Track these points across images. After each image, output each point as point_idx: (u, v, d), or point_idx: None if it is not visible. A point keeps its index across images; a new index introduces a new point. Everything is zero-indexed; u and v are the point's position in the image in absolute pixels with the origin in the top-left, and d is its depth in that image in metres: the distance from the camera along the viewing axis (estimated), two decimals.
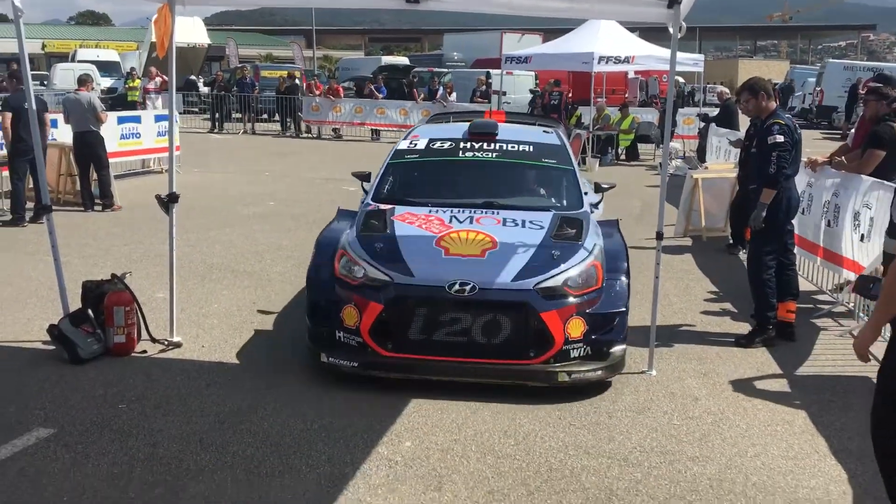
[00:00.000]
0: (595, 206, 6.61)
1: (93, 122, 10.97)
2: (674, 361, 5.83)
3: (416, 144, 6.83)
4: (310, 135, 23.49)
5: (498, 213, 5.89)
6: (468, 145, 6.65)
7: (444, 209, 5.92)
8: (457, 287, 4.95)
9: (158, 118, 14.69)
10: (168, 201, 5.91)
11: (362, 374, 5.04)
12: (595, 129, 18.61)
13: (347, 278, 5.23)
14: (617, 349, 5.18)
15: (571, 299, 5.06)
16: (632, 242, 9.41)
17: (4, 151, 10.74)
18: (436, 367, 4.99)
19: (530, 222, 5.75)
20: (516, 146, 6.68)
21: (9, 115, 9.72)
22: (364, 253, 5.32)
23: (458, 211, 5.90)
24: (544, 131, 7.31)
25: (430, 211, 5.90)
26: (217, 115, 24.07)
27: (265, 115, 25.24)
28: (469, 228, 5.59)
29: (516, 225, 5.72)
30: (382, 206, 6.07)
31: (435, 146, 6.74)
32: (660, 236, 5.61)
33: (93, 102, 11.02)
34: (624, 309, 5.24)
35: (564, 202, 6.36)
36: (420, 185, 6.62)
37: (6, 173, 10.40)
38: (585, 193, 6.44)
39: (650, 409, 5.00)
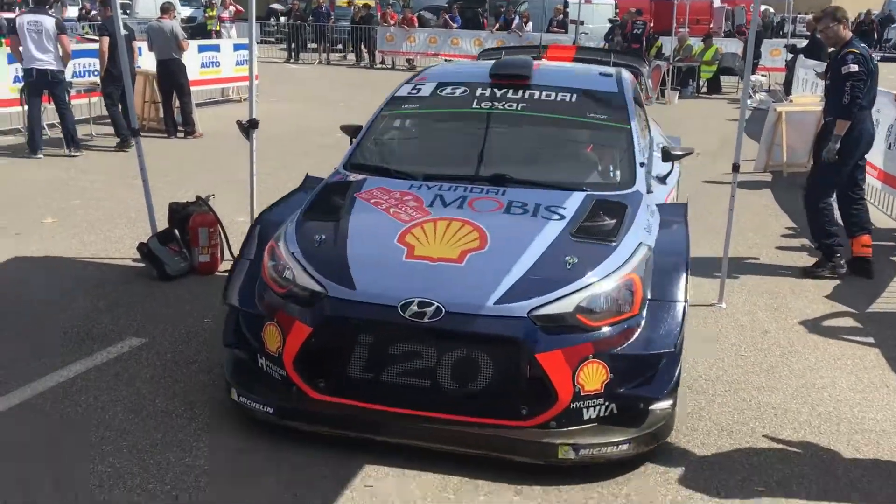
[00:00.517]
0: (661, 180, 4.97)
1: (175, 50, 11.23)
2: (745, 295, 5.81)
3: (419, 90, 5.19)
4: (384, 65, 23.50)
5: (504, 194, 4.23)
6: (487, 93, 4.97)
7: (434, 184, 4.33)
8: (414, 308, 3.43)
9: (237, 47, 14.92)
10: (248, 127, 6.10)
11: (279, 423, 3.66)
12: (676, 60, 18.08)
13: (274, 283, 3.80)
14: (659, 408, 3.57)
15: (587, 333, 3.46)
16: (709, 177, 9.33)
17: (92, 78, 11.19)
18: (382, 424, 3.52)
19: (547, 208, 4.07)
20: (553, 94, 4.95)
21: (107, 39, 10.04)
22: (298, 248, 3.85)
23: (450, 188, 4.28)
24: (601, 73, 5.48)
25: (410, 186, 4.33)
26: (293, 45, 24.27)
27: (339, 46, 25.31)
28: (453, 216, 3.97)
29: (524, 212, 4.06)
30: (353, 177, 4.56)
31: (443, 93, 5.08)
32: (736, 168, 5.53)
33: (175, 30, 11.27)
34: (672, 349, 3.55)
35: (608, 177, 4.62)
36: (410, 147, 5.21)
37: (95, 100, 10.81)
38: (641, 164, 4.61)
39: (718, 340, 5.02)
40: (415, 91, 5.22)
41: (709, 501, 3.34)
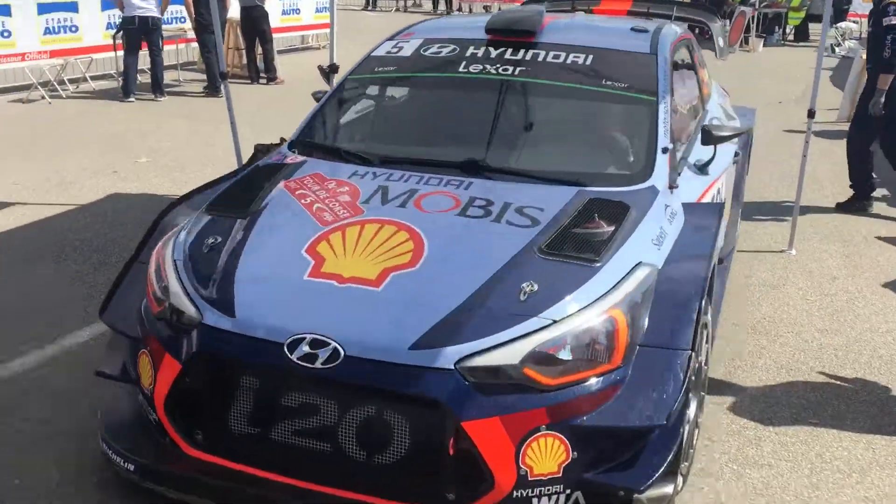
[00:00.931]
0: (700, 169, 3.84)
1: None
2: (816, 242, 5.82)
3: (400, 49, 4.26)
4: (461, 13, 23.40)
5: (468, 187, 3.28)
6: (480, 53, 4.00)
7: (384, 171, 3.44)
8: (304, 349, 2.54)
9: None
10: (329, 72, 6.32)
11: (142, 485, 2.83)
12: (762, 5, 17.50)
13: (153, 298, 2.96)
14: (649, 497, 2.56)
15: (540, 394, 2.49)
16: (789, 126, 9.17)
17: (179, 25, 11.61)
18: (269, 500, 2.64)
19: (518, 210, 3.11)
20: (562, 56, 3.92)
21: None
22: (183, 254, 3.00)
23: (402, 178, 3.37)
24: (633, 28, 4.39)
25: (353, 174, 3.45)
26: None
27: None
28: (388, 218, 3.05)
29: (485, 214, 3.09)
30: (291, 160, 3.71)
31: (427, 53, 4.14)
32: (811, 114, 5.49)
33: None
34: (664, 422, 2.52)
35: (615, 167, 3.61)
36: (371, 123, 4.26)
37: (182, 46, 11.20)
38: (665, 150, 3.50)
39: (784, 285, 5.07)
40: (395, 50, 4.27)
41: (762, 430, 3.47)
